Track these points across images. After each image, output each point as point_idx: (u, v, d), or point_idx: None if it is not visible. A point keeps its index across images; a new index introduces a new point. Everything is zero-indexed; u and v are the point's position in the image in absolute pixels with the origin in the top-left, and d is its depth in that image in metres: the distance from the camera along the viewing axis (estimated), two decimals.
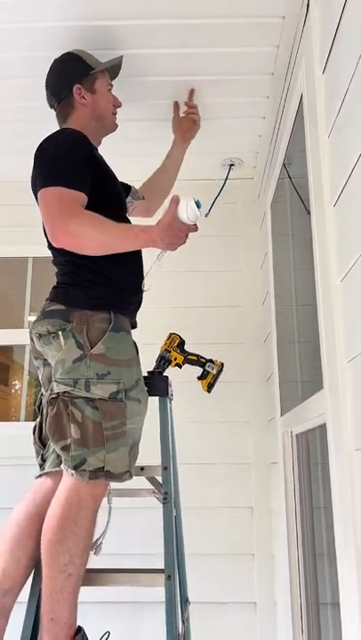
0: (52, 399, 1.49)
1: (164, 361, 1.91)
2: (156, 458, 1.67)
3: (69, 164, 1.53)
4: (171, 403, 1.83)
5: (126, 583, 1.51)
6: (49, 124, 1.73)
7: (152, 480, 1.70)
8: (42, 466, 1.64)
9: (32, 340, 1.60)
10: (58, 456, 1.54)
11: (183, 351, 1.94)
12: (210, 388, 1.92)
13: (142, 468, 1.68)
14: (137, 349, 1.63)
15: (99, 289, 1.56)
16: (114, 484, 1.60)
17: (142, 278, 1.68)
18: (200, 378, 1.93)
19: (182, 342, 1.95)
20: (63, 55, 1.73)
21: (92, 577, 1.51)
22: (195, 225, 1.58)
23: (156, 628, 1.49)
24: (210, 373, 1.92)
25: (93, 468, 1.43)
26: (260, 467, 2.39)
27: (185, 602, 1.82)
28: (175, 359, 1.92)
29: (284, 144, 2.07)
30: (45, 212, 1.51)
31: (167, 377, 1.84)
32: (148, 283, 1.69)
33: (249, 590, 2.24)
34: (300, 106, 1.70)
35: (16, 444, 2.08)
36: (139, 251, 1.67)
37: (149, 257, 1.66)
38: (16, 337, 2.63)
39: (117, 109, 1.80)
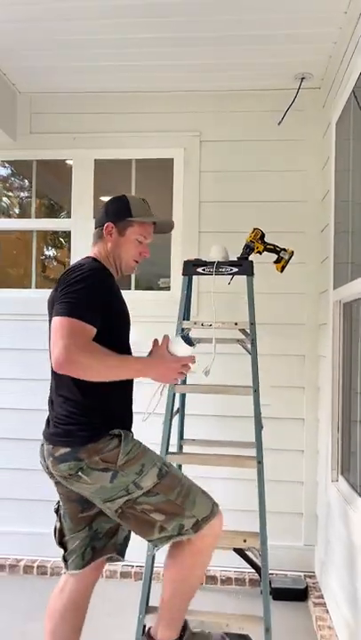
0: (121, 514, 1.75)
1: (249, 249, 2.59)
2: (245, 317, 2.44)
3: (85, 299, 1.67)
4: (252, 280, 2.54)
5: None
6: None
7: (243, 332, 2.47)
8: (65, 565, 1.90)
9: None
10: (82, 558, 1.86)
11: (263, 242, 2.61)
12: (282, 269, 2.62)
13: (236, 323, 2.45)
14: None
15: (93, 421, 1.76)
16: (205, 332, 2.35)
17: (129, 403, 1.92)
18: (275, 262, 2.62)
19: (263, 235, 2.62)
20: (117, 196, 1.96)
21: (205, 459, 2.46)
22: (190, 356, 1.80)
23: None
24: (283, 259, 2.61)
25: (192, 524, 1.75)
26: (312, 326, 3.14)
27: (259, 414, 2.69)
28: (257, 248, 2.60)
29: (359, 57, 2.37)
30: (54, 337, 1.62)
31: (252, 261, 2.54)
32: (146, 414, 1.92)
33: (299, 410, 3.12)
34: None
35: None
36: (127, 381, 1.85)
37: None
38: None
39: (142, 258, 1.96)
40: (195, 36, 2.62)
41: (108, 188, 3.37)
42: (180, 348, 1.79)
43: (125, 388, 1.86)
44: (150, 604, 2.14)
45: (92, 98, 3.24)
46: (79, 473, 1.72)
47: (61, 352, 1.57)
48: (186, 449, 2.82)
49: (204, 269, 2.51)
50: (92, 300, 1.69)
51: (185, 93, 3.18)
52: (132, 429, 1.90)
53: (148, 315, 2.97)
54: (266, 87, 3.11)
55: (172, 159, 3.21)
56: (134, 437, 1.84)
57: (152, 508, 1.73)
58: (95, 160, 3.26)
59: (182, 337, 1.81)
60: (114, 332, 1.79)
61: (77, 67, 2.97)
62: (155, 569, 2.24)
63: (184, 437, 2.88)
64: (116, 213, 1.91)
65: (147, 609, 2.11)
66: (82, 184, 3.27)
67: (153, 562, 2.20)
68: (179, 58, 2.84)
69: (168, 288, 3.28)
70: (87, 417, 1.76)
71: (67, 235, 3.40)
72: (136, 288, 3.37)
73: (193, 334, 2.66)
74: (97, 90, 3.20)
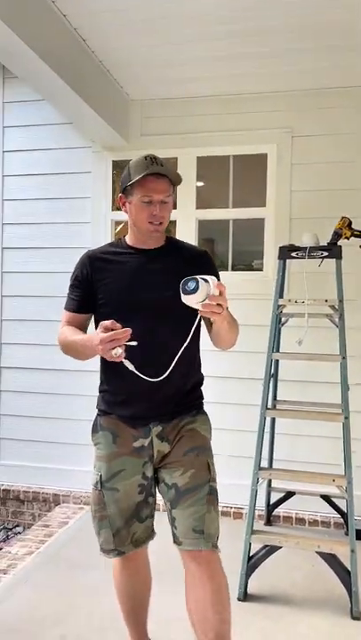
0: None
1: (337, 235, 2.97)
2: (330, 294, 2.82)
3: (70, 290, 1.90)
4: (341, 263, 2.91)
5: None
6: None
7: (332, 307, 2.87)
8: None
9: None
10: None
11: (351, 228, 2.97)
12: None
13: (326, 300, 2.85)
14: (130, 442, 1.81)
15: (100, 395, 1.93)
16: (297, 308, 2.71)
17: (129, 383, 1.72)
18: None
19: (350, 222, 2.98)
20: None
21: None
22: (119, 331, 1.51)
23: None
24: None
25: (100, 545, 1.87)
26: None
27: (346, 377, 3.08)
28: (345, 234, 2.97)
29: None
30: None
31: (340, 246, 2.91)
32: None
33: None
34: None
35: None
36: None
37: None
38: (220, 214, 3.80)
39: (155, 219, 1.77)
40: (290, 46, 2.99)
41: (208, 179, 3.82)
42: (185, 297, 1.47)
43: (122, 370, 1.63)
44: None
45: (195, 102, 3.67)
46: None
47: None
48: (279, 407, 3.28)
49: (297, 254, 2.92)
50: (73, 290, 1.88)
51: (278, 94, 3.54)
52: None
53: (244, 293, 3.43)
54: (351, 84, 3.41)
55: (266, 154, 3.60)
56: (107, 434, 1.84)
57: None
58: (197, 157, 3.71)
59: (186, 280, 1.45)
60: (112, 308, 1.76)
61: (183, 78, 3.42)
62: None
63: (277, 398, 3.35)
64: (122, 184, 1.80)
65: (252, 531, 2.62)
66: (186, 179, 3.72)
67: (256, 495, 2.70)
68: (274, 65, 3.22)
69: (261, 269, 3.70)
70: (100, 390, 1.94)
71: (172, 223, 3.91)
72: (232, 269, 3.82)
73: (286, 310, 3.09)
74: (199, 95, 3.63)
